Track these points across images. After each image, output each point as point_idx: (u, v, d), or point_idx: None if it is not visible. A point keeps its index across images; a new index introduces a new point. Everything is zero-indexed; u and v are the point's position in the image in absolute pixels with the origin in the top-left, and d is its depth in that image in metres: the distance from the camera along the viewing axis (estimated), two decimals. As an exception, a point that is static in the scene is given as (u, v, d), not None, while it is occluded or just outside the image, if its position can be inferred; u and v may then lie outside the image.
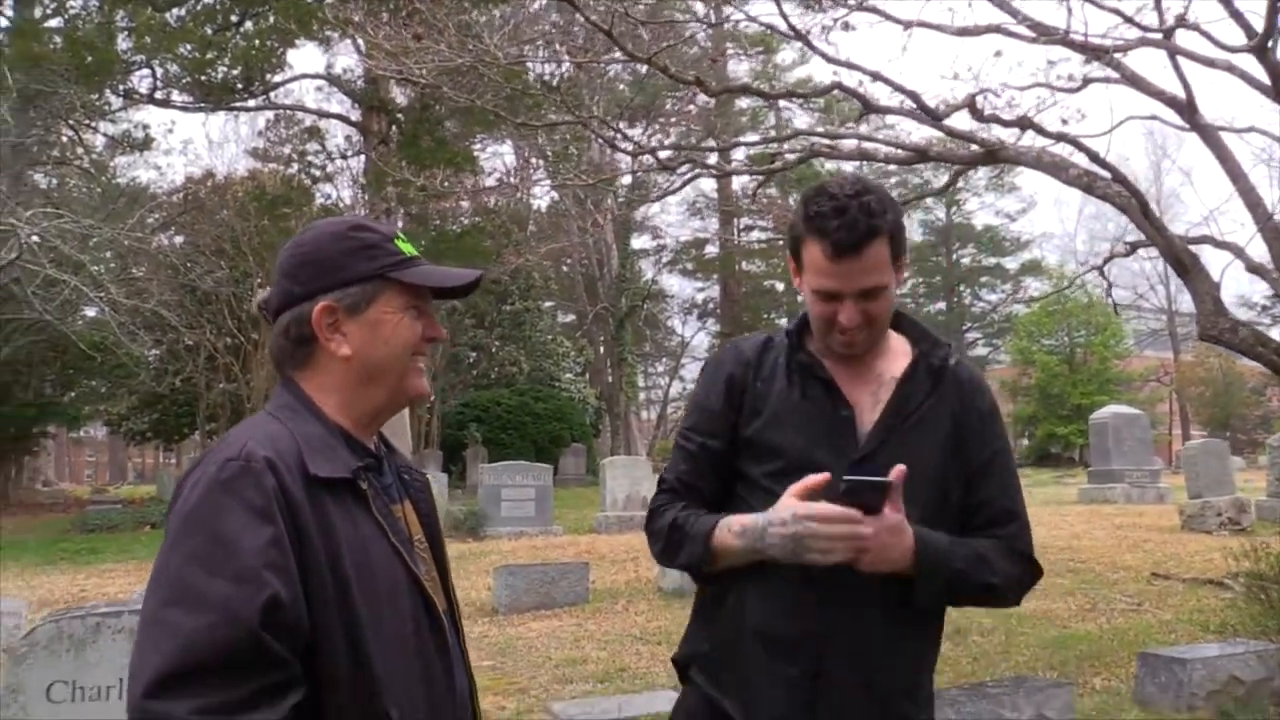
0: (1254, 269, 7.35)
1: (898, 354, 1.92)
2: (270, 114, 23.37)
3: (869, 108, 6.49)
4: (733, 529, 1.79)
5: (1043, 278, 42.41)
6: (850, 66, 6.26)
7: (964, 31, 6.36)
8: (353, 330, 1.50)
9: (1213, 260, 7.05)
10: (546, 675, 6.49)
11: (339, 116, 21.91)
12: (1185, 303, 46.71)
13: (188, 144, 58.67)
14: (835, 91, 6.62)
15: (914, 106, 6.18)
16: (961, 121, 6.61)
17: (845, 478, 1.65)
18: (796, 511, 1.67)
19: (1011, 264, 47.54)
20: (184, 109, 19.66)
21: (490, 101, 7.39)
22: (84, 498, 28.18)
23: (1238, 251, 7.12)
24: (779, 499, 1.72)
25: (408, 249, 1.56)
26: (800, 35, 6.25)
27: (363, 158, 20.93)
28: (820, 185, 1.82)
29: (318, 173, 22.61)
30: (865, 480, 1.65)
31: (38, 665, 3.24)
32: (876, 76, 6.19)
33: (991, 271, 48.31)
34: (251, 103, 20.75)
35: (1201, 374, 42.50)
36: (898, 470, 1.66)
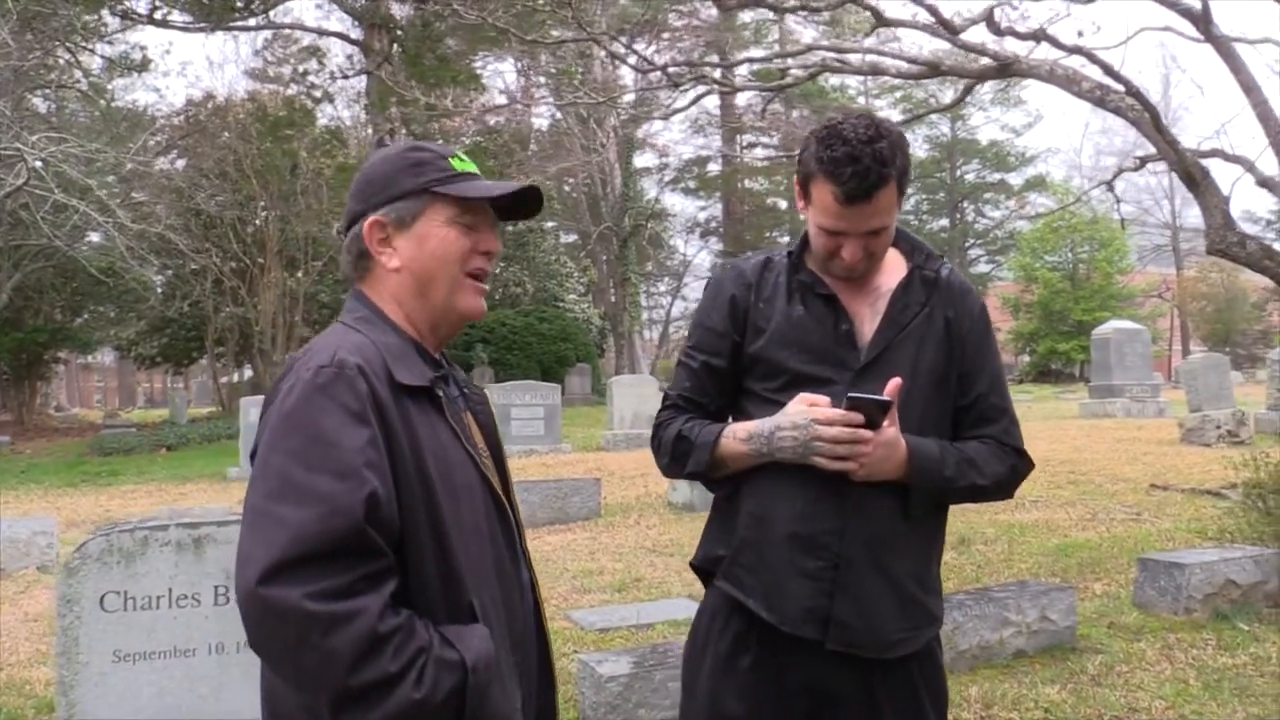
0: (1263, 183, 7.34)
1: (893, 267, 2.02)
2: (269, 33, 23.00)
3: (881, 20, 6.45)
4: (739, 435, 1.93)
5: (1047, 193, 42.08)
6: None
7: (978, -58, 6.29)
8: (402, 244, 1.58)
9: (1222, 174, 7.07)
10: (565, 586, 6.70)
11: (339, 35, 21.57)
12: (1189, 218, 46.50)
13: (186, 66, 57.77)
14: (847, 5, 6.57)
15: (929, 20, 6.13)
16: (975, 35, 6.58)
17: (849, 394, 1.80)
18: (809, 414, 1.81)
19: (1016, 180, 47.01)
20: (183, 29, 19.32)
21: (501, 18, 7.30)
22: (97, 422, 28.50)
23: (1248, 165, 7.12)
24: (788, 404, 1.87)
25: (464, 166, 1.63)
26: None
27: (364, 77, 20.64)
28: (834, 126, 1.85)
29: (318, 93, 22.34)
30: (867, 398, 1.79)
31: (91, 577, 3.38)
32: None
33: (995, 188, 47.79)
34: (251, 21, 20.39)
35: (1203, 289, 42.45)
36: (893, 384, 1.79)
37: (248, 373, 28.99)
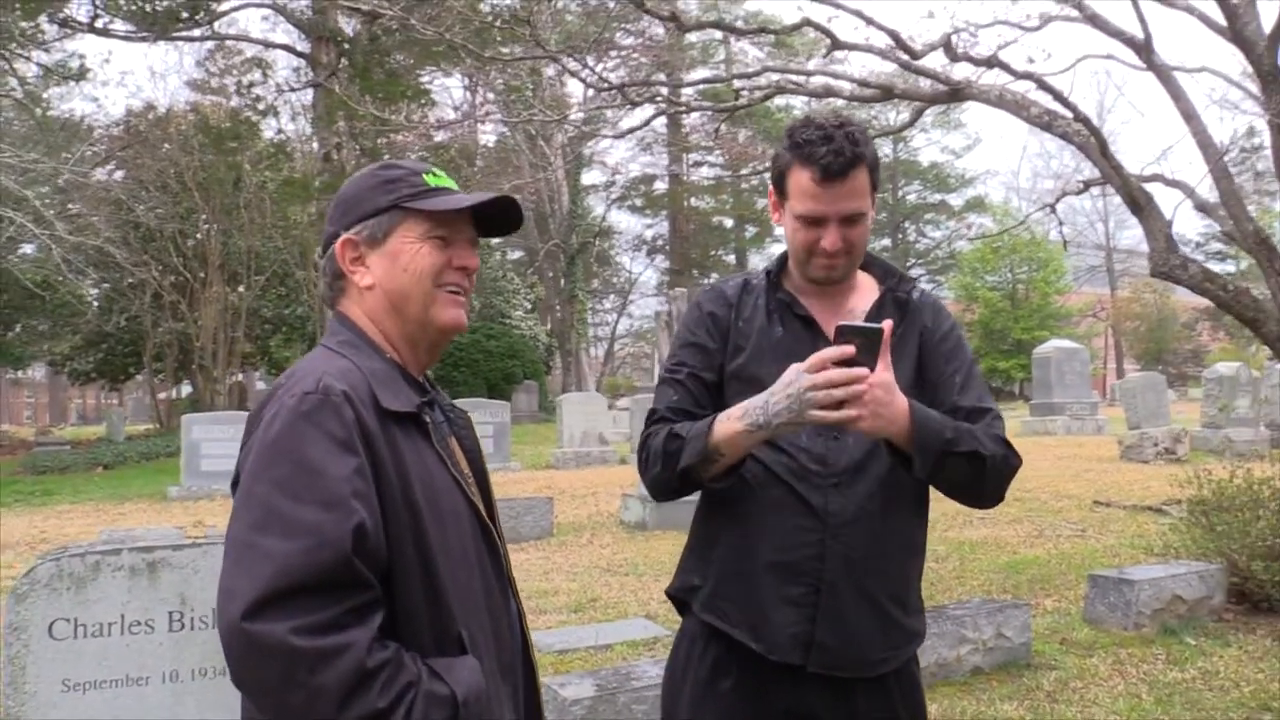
0: (1202, 207, 7.56)
1: (866, 290, 2.06)
2: (212, 44, 22.61)
3: (837, 44, 6.54)
4: (733, 415, 1.82)
5: (987, 214, 42.95)
6: (834, 5, 6.27)
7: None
8: (374, 261, 1.56)
9: (1162, 199, 7.27)
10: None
11: (286, 47, 21.26)
12: (1123, 240, 47.77)
13: (126, 75, 56.54)
14: (805, 28, 6.65)
15: (883, 45, 6.23)
16: (928, 59, 6.69)
17: (839, 324, 1.71)
18: (798, 367, 1.71)
19: (956, 200, 48.01)
20: (126, 38, 18.87)
21: (459, 35, 7.27)
22: (29, 439, 27.68)
23: (1188, 191, 7.32)
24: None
25: (438, 182, 1.60)
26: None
27: (311, 91, 20.39)
28: (804, 118, 1.93)
29: (263, 106, 22.02)
30: (857, 325, 1.70)
31: (39, 603, 3.27)
32: (860, 15, 6.23)
33: (936, 208, 48.74)
34: (196, 32, 20.02)
35: (1137, 309, 43.63)
36: (888, 323, 1.73)
37: (186, 389, 28.37)
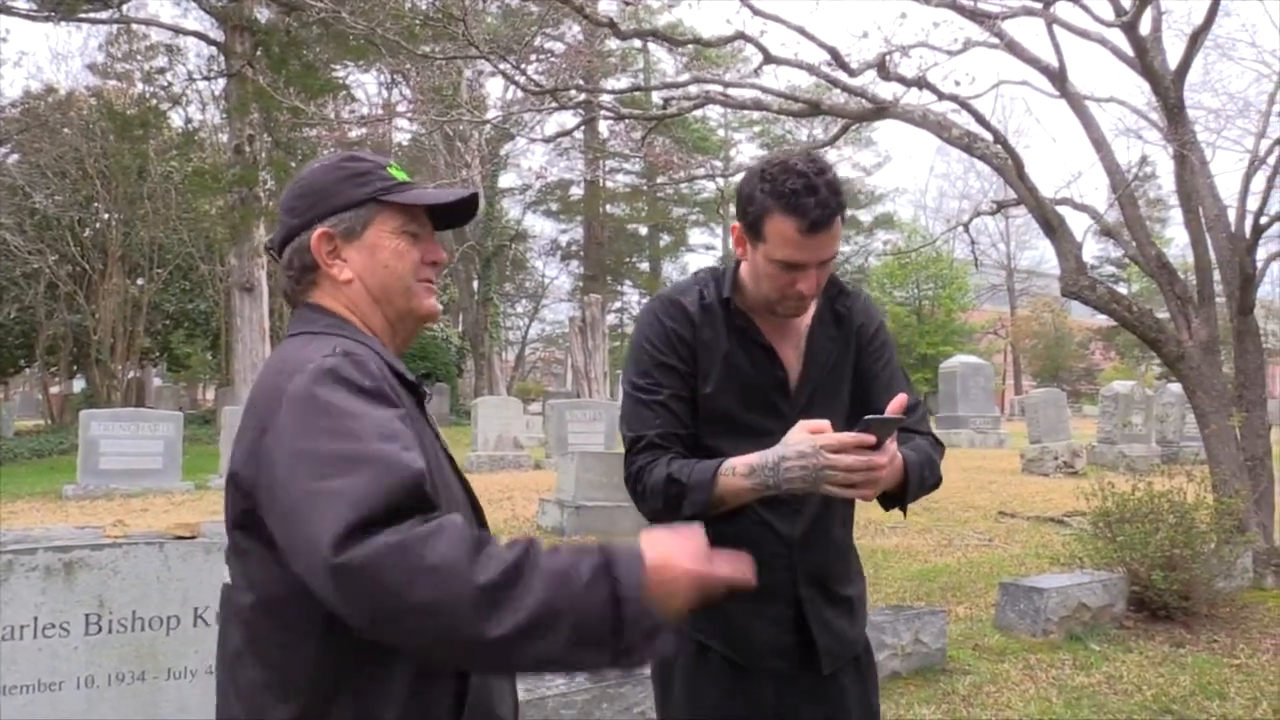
0: (1107, 231, 7.89)
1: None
2: (115, 27, 21.80)
3: (769, 58, 6.64)
4: (738, 470, 1.85)
5: (895, 231, 44.04)
6: (776, 19, 6.38)
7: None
8: (352, 255, 1.53)
9: (1072, 222, 7.56)
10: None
11: (198, 34, 20.57)
12: (1023, 260, 49.43)
13: (24, 56, 54.09)
14: (737, 41, 6.74)
15: (817, 61, 6.38)
16: (859, 78, 6.84)
17: (865, 417, 1.77)
18: (817, 442, 1.75)
19: (866, 216, 49.04)
20: (29, 17, 17.99)
21: (389, 30, 7.15)
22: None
23: (1095, 215, 7.63)
24: (788, 434, 1.84)
25: (401, 175, 1.59)
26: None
27: (223, 80, 19.81)
28: (782, 162, 1.89)
29: (172, 93, 21.32)
30: (881, 419, 1.77)
31: (-55, 604, 3.12)
32: (802, 31, 6.34)
33: (847, 224, 49.60)
34: (104, 15, 19.23)
35: (1035, 328, 45.15)
36: (897, 402, 1.82)
37: (80, 384, 27.28)
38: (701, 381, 2.01)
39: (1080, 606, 5.81)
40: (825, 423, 1.80)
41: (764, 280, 1.96)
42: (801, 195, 1.84)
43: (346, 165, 1.58)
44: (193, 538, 3.56)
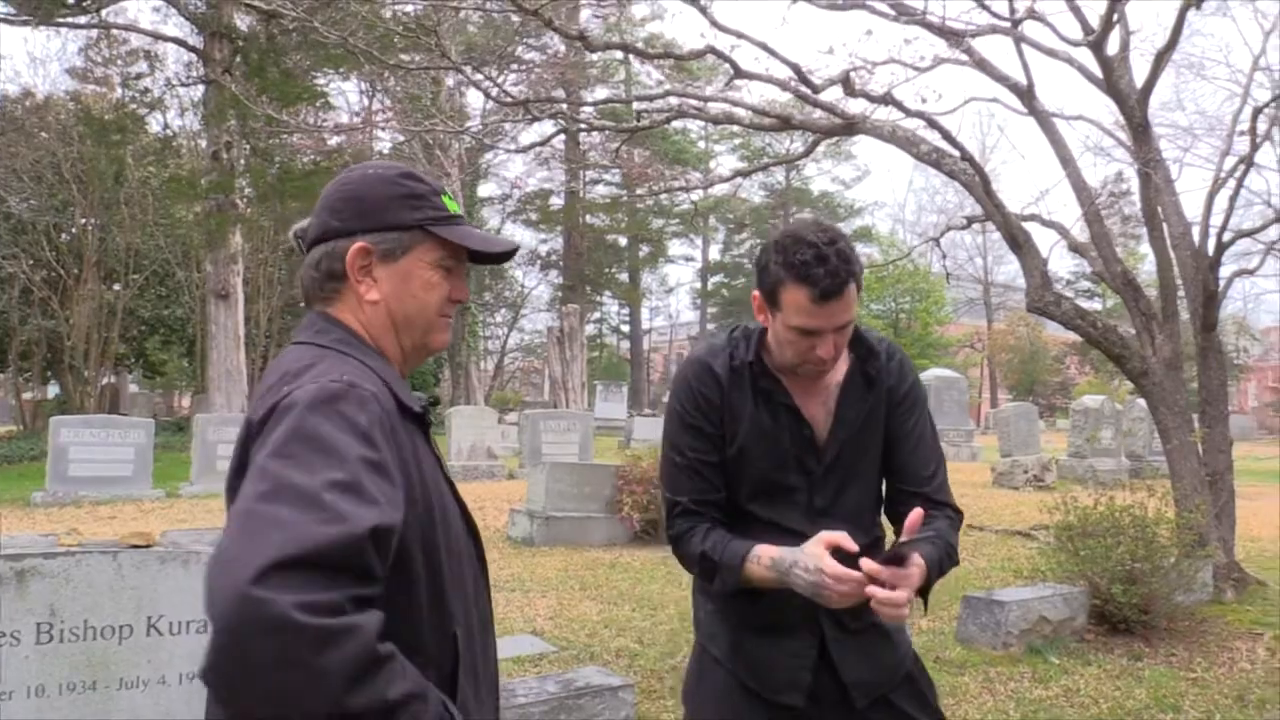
0: (1075, 248, 7.98)
1: (839, 361, 2.17)
2: (95, 32, 21.69)
3: (739, 73, 6.70)
4: (762, 562, 2.01)
5: (873, 244, 44.33)
6: (740, 35, 6.43)
7: (832, 5, 6.63)
8: (383, 276, 1.51)
9: (1039, 238, 7.65)
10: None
11: (178, 40, 20.47)
12: (1000, 275, 49.82)
13: (1, 60, 53.70)
14: (707, 55, 6.80)
15: (785, 76, 6.43)
16: (828, 94, 6.91)
17: (899, 542, 1.89)
18: (821, 567, 1.88)
19: (845, 229, 49.07)
20: (6, 20, 17.83)
21: (362, 40, 7.16)
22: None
23: (1063, 231, 7.72)
24: (805, 539, 1.95)
25: (453, 207, 1.58)
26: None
27: (201, 86, 19.73)
28: (793, 234, 1.98)
29: (150, 98, 21.20)
30: (901, 554, 1.87)
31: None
32: (764, 47, 6.40)
33: (827, 237, 49.83)
34: (83, 19, 19.10)
35: (1011, 342, 45.49)
36: (915, 516, 1.89)
37: (54, 390, 27.02)
38: (730, 442, 2.10)
39: (1041, 620, 5.85)
40: (843, 535, 1.90)
41: (785, 346, 2.04)
42: (812, 266, 1.91)
43: (404, 183, 1.55)
44: (148, 546, 3.55)
